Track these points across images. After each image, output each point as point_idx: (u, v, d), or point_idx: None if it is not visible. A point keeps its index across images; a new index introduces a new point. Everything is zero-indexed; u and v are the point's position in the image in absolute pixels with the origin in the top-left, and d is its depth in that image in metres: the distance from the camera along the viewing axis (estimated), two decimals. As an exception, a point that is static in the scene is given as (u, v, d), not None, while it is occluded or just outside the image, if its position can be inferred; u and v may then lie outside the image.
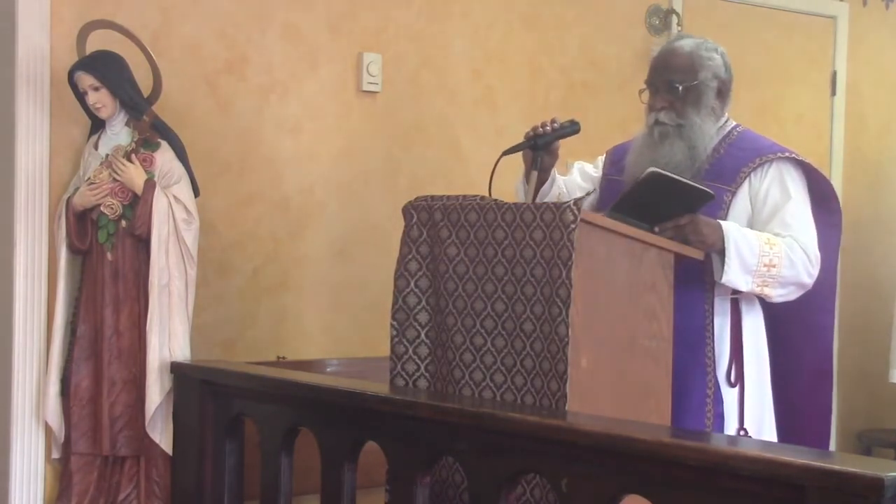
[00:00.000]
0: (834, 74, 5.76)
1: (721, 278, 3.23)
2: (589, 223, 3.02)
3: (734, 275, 3.22)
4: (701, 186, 3.21)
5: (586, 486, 2.64)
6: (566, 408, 2.93)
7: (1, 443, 3.91)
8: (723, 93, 3.43)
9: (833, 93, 5.77)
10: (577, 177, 3.66)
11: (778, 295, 3.31)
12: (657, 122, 3.38)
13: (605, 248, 3.07)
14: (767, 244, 3.25)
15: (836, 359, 5.60)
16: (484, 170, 3.48)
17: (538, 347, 3.03)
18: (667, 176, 3.17)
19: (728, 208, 3.32)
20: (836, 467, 2.22)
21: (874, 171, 5.92)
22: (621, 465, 2.58)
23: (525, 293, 3.06)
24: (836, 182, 5.71)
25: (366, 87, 4.50)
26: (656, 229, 3.19)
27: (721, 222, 3.25)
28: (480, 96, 4.79)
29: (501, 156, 3.55)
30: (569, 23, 4.99)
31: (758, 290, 3.27)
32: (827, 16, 5.74)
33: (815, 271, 3.32)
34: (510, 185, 3.78)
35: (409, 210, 3.34)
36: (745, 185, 3.35)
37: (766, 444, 3.03)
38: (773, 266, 3.25)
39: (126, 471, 3.81)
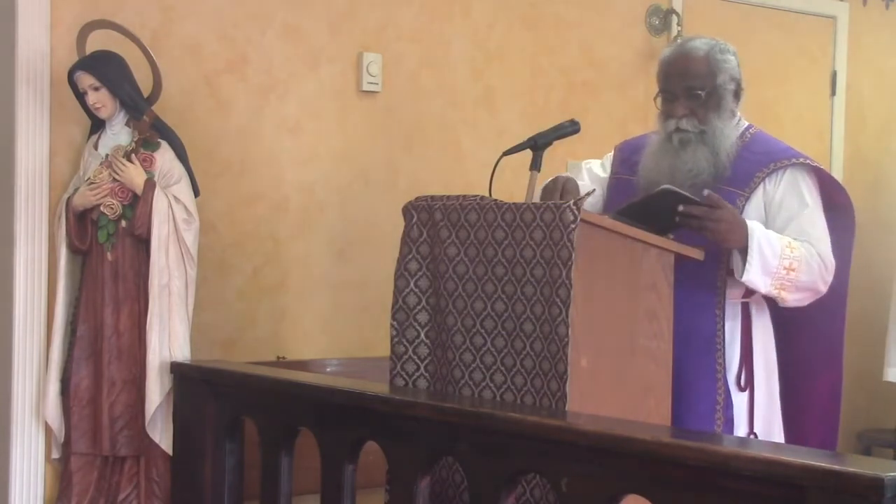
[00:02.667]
0: (834, 74, 5.76)
1: (742, 276, 3.21)
2: (589, 223, 3.01)
3: (755, 274, 3.20)
4: None
5: (586, 486, 2.64)
6: (566, 408, 2.93)
7: (1, 443, 3.91)
8: (738, 94, 3.39)
9: (833, 93, 5.77)
10: (587, 179, 3.64)
11: (793, 299, 3.29)
12: (678, 130, 3.33)
13: (605, 248, 3.06)
14: (789, 247, 3.23)
15: (837, 360, 5.62)
16: (484, 170, 3.49)
17: (538, 347, 3.03)
18: (681, 194, 3.16)
19: (741, 212, 3.29)
20: (836, 467, 2.22)
21: (874, 171, 5.92)
22: (621, 465, 2.58)
23: (525, 293, 3.06)
24: (836, 182, 5.71)
25: (366, 87, 4.50)
26: (680, 208, 3.16)
27: (747, 221, 3.22)
28: (480, 96, 4.79)
29: (502, 156, 3.55)
30: (569, 23, 5.00)
31: (775, 292, 3.25)
32: (827, 16, 5.74)
33: (830, 279, 3.31)
34: (510, 186, 3.78)
35: (409, 210, 3.34)
36: (760, 190, 3.32)
37: (766, 445, 3.03)
38: (793, 270, 3.23)
39: (126, 471, 3.81)
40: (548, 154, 3.55)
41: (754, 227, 3.22)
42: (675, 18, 5.23)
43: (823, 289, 3.31)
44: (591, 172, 3.65)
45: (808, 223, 3.30)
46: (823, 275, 3.29)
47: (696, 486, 2.45)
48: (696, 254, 3.21)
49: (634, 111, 5.07)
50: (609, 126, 5.00)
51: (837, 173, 5.74)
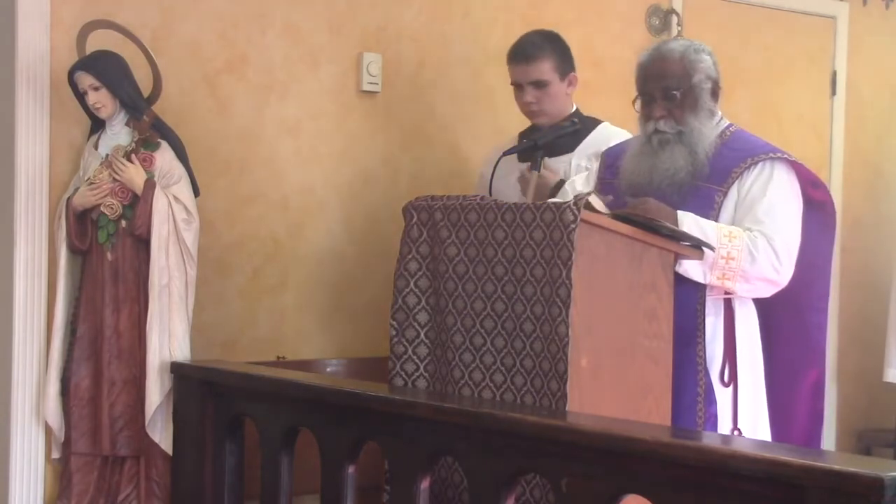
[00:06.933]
0: (834, 74, 5.76)
1: (677, 267, 3.23)
2: (589, 223, 3.02)
3: (689, 264, 3.23)
4: (701, 240, 3.22)
5: (586, 486, 2.64)
6: (566, 408, 2.94)
7: (1, 443, 3.91)
8: (715, 93, 3.43)
9: (833, 93, 5.77)
10: (571, 196, 3.66)
11: (742, 290, 3.31)
12: (657, 131, 3.37)
13: (605, 248, 3.07)
14: (727, 237, 3.25)
15: (836, 359, 5.64)
16: (484, 170, 3.49)
17: (538, 347, 3.03)
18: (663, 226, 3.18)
19: (720, 209, 3.33)
20: (836, 467, 2.23)
21: (874, 171, 5.92)
22: (621, 465, 2.59)
23: (525, 293, 3.07)
24: (836, 182, 5.71)
25: (366, 87, 4.50)
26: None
27: (678, 212, 3.25)
28: (480, 96, 4.79)
29: (502, 156, 3.56)
30: (569, 23, 4.99)
31: (718, 282, 3.27)
32: (827, 16, 5.74)
33: (784, 268, 3.31)
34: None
35: (409, 210, 3.34)
36: (735, 185, 3.35)
37: (766, 445, 3.04)
38: (733, 258, 3.24)
39: (126, 471, 3.81)
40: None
41: (685, 217, 3.24)
42: (675, 18, 5.24)
43: (776, 277, 3.31)
44: (576, 190, 3.67)
45: (763, 211, 3.31)
46: (773, 263, 3.28)
47: (696, 486, 2.45)
48: (696, 254, 3.22)
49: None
50: (609, 126, 5.01)
51: (837, 173, 5.75)
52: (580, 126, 3.92)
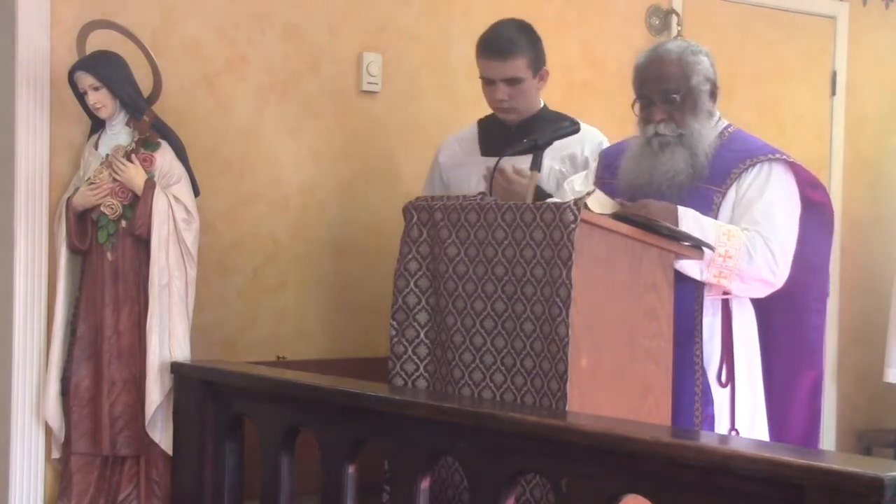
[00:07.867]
0: (834, 74, 5.76)
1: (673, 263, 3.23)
2: (589, 223, 3.02)
3: (685, 261, 3.23)
4: (699, 239, 3.22)
5: (586, 486, 2.64)
6: (566, 408, 2.94)
7: (1, 443, 3.91)
8: (714, 94, 3.43)
9: (833, 93, 5.77)
10: (570, 197, 3.65)
11: (738, 289, 3.31)
12: (657, 134, 3.36)
13: (605, 248, 3.07)
14: (725, 235, 3.25)
15: (836, 359, 5.64)
16: (484, 170, 3.48)
17: (538, 347, 3.03)
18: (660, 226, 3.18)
19: (718, 210, 3.33)
20: (836, 467, 2.23)
21: (874, 171, 5.92)
22: (621, 465, 2.59)
23: (525, 293, 3.07)
24: (836, 182, 5.71)
25: (366, 87, 4.50)
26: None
27: (679, 208, 3.24)
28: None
29: (502, 156, 3.55)
30: (569, 23, 4.99)
31: (714, 280, 3.27)
32: (827, 16, 5.74)
33: (781, 269, 3.31)
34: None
35: (410, 210, 3.34)
36: (734, 186, 3.35)
37: (766, 444, 3.04)
38: (730, 257, 3.24)
39: (126, 471, 3.81)
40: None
41: (684, 213, 3.24)
42: (675, 18, 5.24)
43: (772, 279, 3.31)
44: (574, 191, 3.66)
45: (760, 212, 3.31)
46: (770, 264, 3.28)
47: (696, 486, 2.45)
48: (696, 254, 3.22)
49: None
50: (609, 126, 4.97)
51: (837, 173, 5.75)
52: (579, 126, 3.90)
